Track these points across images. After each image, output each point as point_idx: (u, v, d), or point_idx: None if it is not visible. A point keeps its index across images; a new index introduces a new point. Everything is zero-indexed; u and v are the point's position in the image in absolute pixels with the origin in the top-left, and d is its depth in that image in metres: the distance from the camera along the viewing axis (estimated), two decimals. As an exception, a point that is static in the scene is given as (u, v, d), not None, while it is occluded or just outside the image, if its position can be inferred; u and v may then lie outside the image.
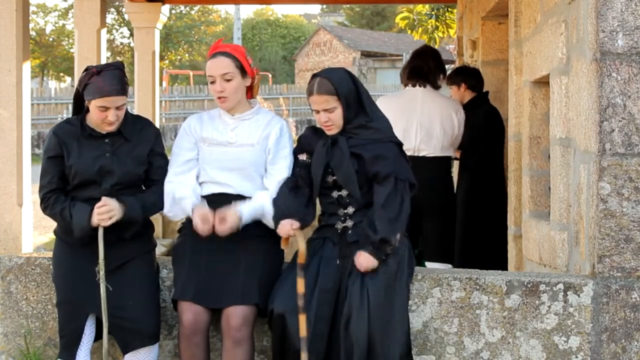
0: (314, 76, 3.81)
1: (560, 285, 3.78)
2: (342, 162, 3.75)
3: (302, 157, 3.89)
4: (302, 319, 3.63)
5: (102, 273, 3.71)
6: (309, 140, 3.90)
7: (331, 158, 3.78)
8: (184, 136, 3.95)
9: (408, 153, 5.41)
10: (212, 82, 3.85)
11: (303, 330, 3.63)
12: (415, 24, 12.16)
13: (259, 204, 3.80)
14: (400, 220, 3.70)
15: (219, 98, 3.85)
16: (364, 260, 3.68)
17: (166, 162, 3.95)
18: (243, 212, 3.77)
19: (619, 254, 3.70)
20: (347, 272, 3.73)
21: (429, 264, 5.58)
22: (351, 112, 3.76)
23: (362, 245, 3.70)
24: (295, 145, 3.98)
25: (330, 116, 3.75)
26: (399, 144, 3.84)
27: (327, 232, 3.84)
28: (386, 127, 3.85)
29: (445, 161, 5.65)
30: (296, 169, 3.90)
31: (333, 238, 3.81)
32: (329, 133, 3.80)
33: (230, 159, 3.86)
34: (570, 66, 4.07)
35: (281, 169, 3.88)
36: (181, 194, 3.83)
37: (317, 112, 3.77)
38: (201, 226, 3.74)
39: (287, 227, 3.72)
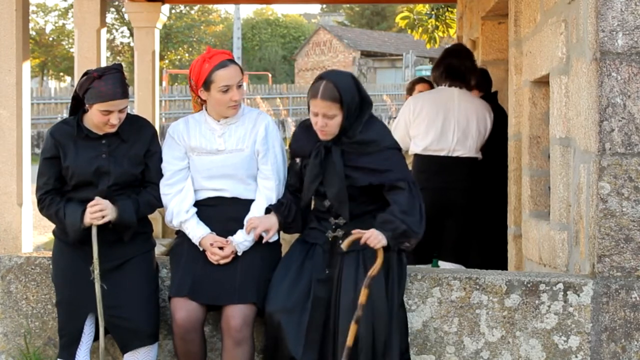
0: (320, 78, 3.69)
1: (560, 285, 3.78)
2: (334, 179, 3.68)
3: (296, 160, 3.85)
4: (353, 329, 3.55)
5: (96, 272, 3.71)
6: (302, 144, 3.82)
7: (325, 172, 3.70)
8: (173, 145, 3.92)
9: (442, 153, 5.44)
10: (226, 91, 3.78)
11: (351, 340, 3.55)
12: (415, 23, 12.17)
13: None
14: (423, 222, 3.66)
15: (234, 106, 3.82)
16: (377, 235, 3.57)
17: (162, 162, 3.95)
18: (240, 246, 3.81)
19: (618, 253, 3.70)
20: (335, 282, 3.69)
21: (443, 264, 5.56)
22: (349, 121, 3.67)
23: (380, 227, 3.60)
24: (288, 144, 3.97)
25: (328, 122, 3.66)
26: (399, 148, 3.79)
27: (318, 237, 3.78)
28: (382, 133, 3.74)
29: (476, 162, 5.63)
30: (290, 173, 3.89)
31: (324, 246, 3.76)
32: (322, 138, 3.72)
33: (220, 166, 3.85)
34: (570, 66, 4.07)
35: (272, 168, 3.88)
36: (180, 218, 3.85)
37: (316, 114, 3.67)
38: (216, 257, 3.80)
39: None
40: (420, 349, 3.87)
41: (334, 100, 3.62)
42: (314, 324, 3.67)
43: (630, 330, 3.73)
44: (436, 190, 5.43)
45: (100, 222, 3.70)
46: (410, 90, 6.70)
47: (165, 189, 3.89)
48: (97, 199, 3.72)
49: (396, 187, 3.66)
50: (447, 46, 6.52)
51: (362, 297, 3.57)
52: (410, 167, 5.95)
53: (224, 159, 3.85)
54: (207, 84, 3.80)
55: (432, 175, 5.43)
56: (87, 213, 3.70)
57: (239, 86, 3.81)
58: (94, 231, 3.71)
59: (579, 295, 3.76)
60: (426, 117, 5.45)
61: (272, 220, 3.82)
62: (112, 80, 3.70)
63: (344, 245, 3.64)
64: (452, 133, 5.46)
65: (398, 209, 3.62)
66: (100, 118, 3.74)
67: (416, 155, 5.56)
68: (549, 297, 3.78)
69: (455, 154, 5.47)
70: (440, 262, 5.63)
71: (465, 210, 5.58)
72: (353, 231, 3.65)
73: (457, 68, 5.59)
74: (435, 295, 3.86)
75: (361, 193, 3.72)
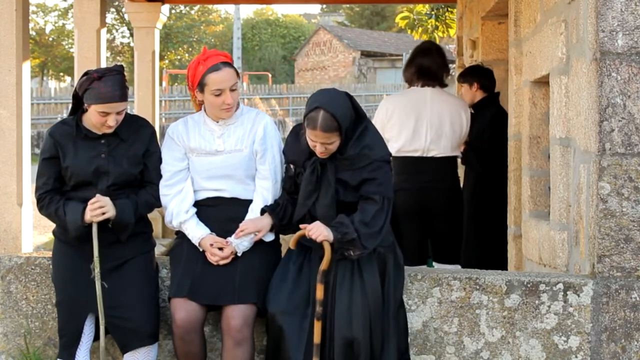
0: (316, 107, 3.63)
1: (560, 285, 3.78)
2: (325, 196, 3.70)
3: (290, 165, 3.85)
4: (318, 326, 3.61)
5: (96, 270, 3.71)
6: (295, 152, 3.82)
7: (319, 189, 3.72)
8: (173, 146, 3.92)
9: (417, 154, 5.43)
10: (219, 95, 3.78)
11: (318, 337, 3.61)
12: (415, 23, 12.17)
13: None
14: (379, 238, 3.65)
15: (227, 109, 3.82)
16: (319, 228, 3.60)
17: (161, 162, 3.95)
18: (240, 247, 3.81)
19: (618, 253, 3.70)
20: (331, 288, 3.69)
21: (438, 265, 5.56)
22: (347, 138, 3.68)
23: (333, 225, 3.62)
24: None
25: (328, 147, 3.66)
26: (388, 161, 3.77)
27: (314, 241, 3.72)
28: (372, 145, 3.72)
29: (453, 161, 5.62)
30: (285, 177, 3.90)
31: (319, 252, 3.71)
32: (320, 157, 3.72)
33: (219, 167, 3.85)
34: (570, 66, 4.07)
35: (270, 168, 3.89)
36: (180, 219, 3.86)
37: (314, 141, 3.65)
38: (216, 258, 3.81)
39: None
40: (420, 349, 3.87)
41: (333, 130, 3.61)
42: (314, 330, 3.66)
43: (630, 330, 3.73)
44: (414, 191, 5.43)
45: (101, 218, 3.70)
46: None
47: (165, 189, 3.89)
48: (98, 196, 3.72)
49: (370, 198, 3.66)
50: (447, 47, 6.48)
51: (318, 293, 3.61)
52: None
53: (223, 160, 3.86)
54: (201, 86, 3.81)
55: (409, 176, 5.42)
56: (88, 210, 3.71)
57: (233, 90, 3.80)
58: (95, 229, 3.71)
59: (579, 296, 3.76)
60: (398, 119, 5.44)
61: (264, 221, 3.82)
62: (111, 82, 3.70)
63: (291, 243, 3.71)
64: (425, 133, 5.44)
65: (359, 218, 3.62)
66: (97, 119, 3.74)
67: (392, 157, 5.55)
68: (549, 297, 3.78)
69: (430, 154, 5.46)
70: (435, 264, 5.62)
71: (450, 210, 5.57)
72: (300, 225, 3.69)
73: (429, 67, 5.55)
74: (435, 295, 3.86)
75: (351, 204, 3.72)
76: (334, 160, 3.71)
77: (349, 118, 3.66)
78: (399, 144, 5.44)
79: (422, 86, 5.55)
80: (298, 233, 3.70)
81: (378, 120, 5.55)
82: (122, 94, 3.72)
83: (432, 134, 5.45)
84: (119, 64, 3.92)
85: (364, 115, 3.77)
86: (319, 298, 3.61)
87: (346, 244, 3.61)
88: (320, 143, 3.64)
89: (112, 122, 3.74)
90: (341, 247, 3.62)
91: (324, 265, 3.62)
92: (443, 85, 5.65)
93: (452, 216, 5.59)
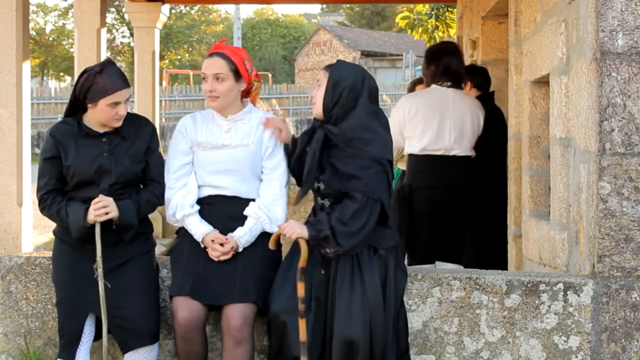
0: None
1: (560, 285, 3.78)
2: (311, 157, 3.72)
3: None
4: (302, 324, 3.61)
5: (100, 270, 3.72)
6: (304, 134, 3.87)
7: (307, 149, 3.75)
8: (180, 138, 3.95)
9: (439, 153, 5.46)
10: (205, 80, 3.86)
11: (303, 335, 3.61)
12: (415, 23, 12.17)
13: (255, 226, 3.85)
14: (357, 238, 3.60)
15: (210, 97, 3.86)
16: (292, 226, 3.63)
17: (162, 160, 3.96)
18: (241, 240, 3.82)
19: (618, 253, 3.70)
20: (331, 283, 3.69)
21: (440, 264, 5.57)
22: (331, 100, 3.66)
23: (310, 223, 3.64)
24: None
25: (317, 93, 3.72)
26: (382, 162, 3.65)
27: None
28: (374, 142, 3.65)
29: (470, 160, 5.65)
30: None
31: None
32: (313, 112, 3.78)
33: (224, 161, 3.86)
34: (570, 66, 4.07)
35: (278, 166, 3.90)
36: (184, 212, 3.86)
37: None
38: (217, 254, 3.81)
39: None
40: (420, 349, 3.87)
41: (326, 71, 3.71)
42: (317, 325, 3.67)
43: (630, 330, 3.73)
44: (433, 189, 5.46)
45: (104, 218, 3.70)
46: (411, 90, 6.71)
47: (170, 182, 3.90)
48: (101, 196, 3.73)
49: (353, 196, 3.61)
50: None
51: (299, 291, 3.61)
52: (405, 167, 5.98)
53: (228, 154, 3.87)
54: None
55: (429, 175, 5.44)
56: (91, 210, 3.71)
57: (220, 80, 3.82)
58: (98, 229, 3.71)
59: (579, 295, 3.76)
60: (422, 118, 5.47)
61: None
62: (113, 72, 3.75)
63: (270, 244, 3.72)
64: (449, 133, 5.47)
65: (336, 216, 3.60)
66: (107, 113, 3.75)
67: (412, 155, 5.57)
68: (549, 297, 3.78)
69: (452, 153, 5.48)
70: (438, 263, 5.62)
71: (462, 209, 5.59)
72: (278, 225, 3.72)
73: (457, 69, 5.62)
74: (435, 295, 3.86)
75: (339, 196, 3.70)
76: (325, 131, 3.69)
77: (342, 77, 3.67)
78: (423, 142, 5.47)
79: (450, 86, 5.58)
80: (275, 233, 3.73)
81: (396, 118, 5.56)
82: (124, 80, 3.78)
83: (455, 134, 5.48)
84: (107, 57, 3.98)
85: (378, 108, 3.75)
86: (300, 296, 3.61)
87: (321, 241, 3.61)
88: (317, 84, 3.73)
89: (123, 111, 3.77)
90: (317, 245, 3.62)
91: (301, 262, 3.62)
92: (461, 87, 5.73)
93: (461, 215, 5.60)
